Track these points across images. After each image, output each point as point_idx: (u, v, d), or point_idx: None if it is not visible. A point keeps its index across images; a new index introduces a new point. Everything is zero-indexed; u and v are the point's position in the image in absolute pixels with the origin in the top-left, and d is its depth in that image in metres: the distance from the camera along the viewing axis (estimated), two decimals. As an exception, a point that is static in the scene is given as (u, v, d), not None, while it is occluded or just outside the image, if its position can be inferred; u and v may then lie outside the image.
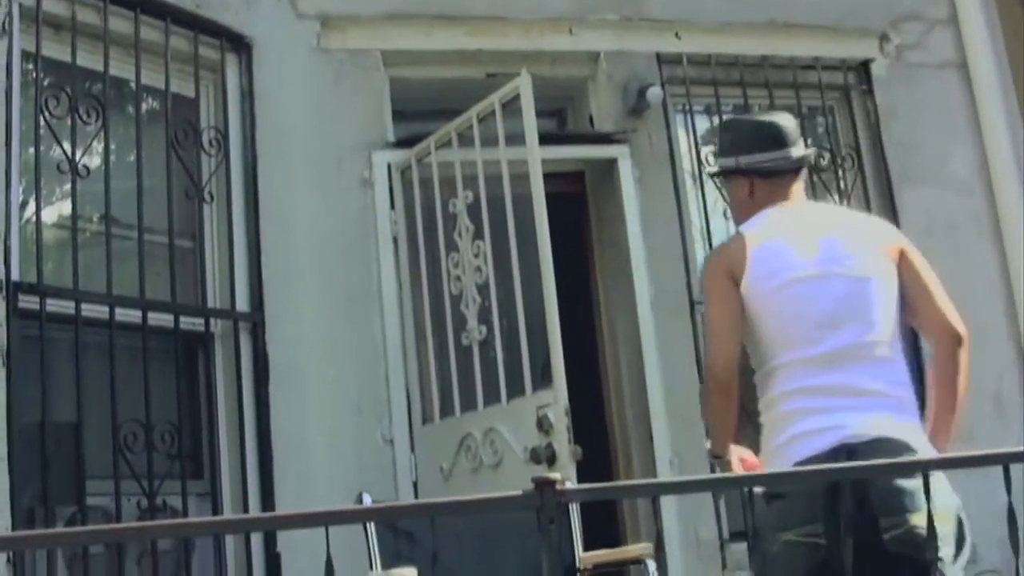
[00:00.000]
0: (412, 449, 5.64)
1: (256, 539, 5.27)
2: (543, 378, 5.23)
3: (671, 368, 5.98)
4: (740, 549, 5.89)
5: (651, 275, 6.08)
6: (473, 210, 5.60)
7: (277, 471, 5.34)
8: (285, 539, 5.29)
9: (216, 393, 5.42)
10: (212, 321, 5.43)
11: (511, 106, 5.44)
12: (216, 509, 5.17)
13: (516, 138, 5.43)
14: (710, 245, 6.32)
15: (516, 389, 5.36)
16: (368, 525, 3.89)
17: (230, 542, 5.21)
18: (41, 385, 4.74)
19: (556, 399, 5.09)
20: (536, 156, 5.30)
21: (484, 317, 5.54)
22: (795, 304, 3.34)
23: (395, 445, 5.62)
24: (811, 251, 3.40)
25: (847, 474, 2.87)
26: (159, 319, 5.17)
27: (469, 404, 5.56)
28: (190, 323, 5.33)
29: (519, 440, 5.23)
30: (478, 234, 5.56)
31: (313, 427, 5.50)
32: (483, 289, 5.53)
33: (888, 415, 3.28)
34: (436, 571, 2.46)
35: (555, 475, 2.40)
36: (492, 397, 5.46)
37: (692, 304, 6.11)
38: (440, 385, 5.73)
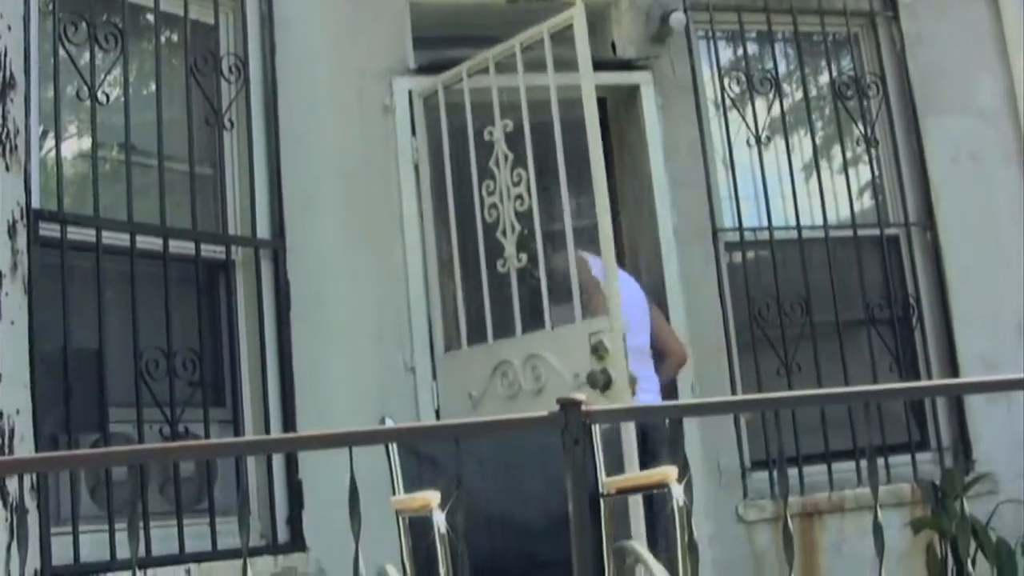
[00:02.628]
0: (434, 377, 5.64)
1: (278, 467, 5.29)
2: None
3: (693, 295, 5.96)
4: (761, 478, 5.90)
5: (674, 203, 6.06)
6: (513, 138, 5.56)
7: (298, 398, 5.35)
8: (306, 467, 5.31)
9: (237, 321, 5.42)
10: (233, 248, 5.42)
11: (558, 36, 5.40)
12: (237, 436, 5.18)
13: (558, 66, 5.42)
14: (733, 174, 6.30)
15: (564, 316, 5.38)
16: (391, 450, 3.88)
17: (252, 471, 5.23)
18: (63, 313, 4.75)
19: (612, 326, 5.14)
20: (591, 86, 5.28)
21: (524, 245, 5.52)
22: None
23: (417, 373, 5.63)
24: None
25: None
26: (180, 247, 5.16)
27: (505, 331, 5.56)
28: (211, 251, 5.33)
29: (567, 366, 5.25)
30: (519, 162, 5.52)
31: (334, 355, 5.51)
32: (523, 217, 5.50)
33: None
34: (459, 495, 2.45)
35: (580, 396, 2.38)
36: (534, 324, 5.47)
37: (715, 232, 6.10)
38: (469, 312, 5.72)
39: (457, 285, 5.73)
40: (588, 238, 5.37)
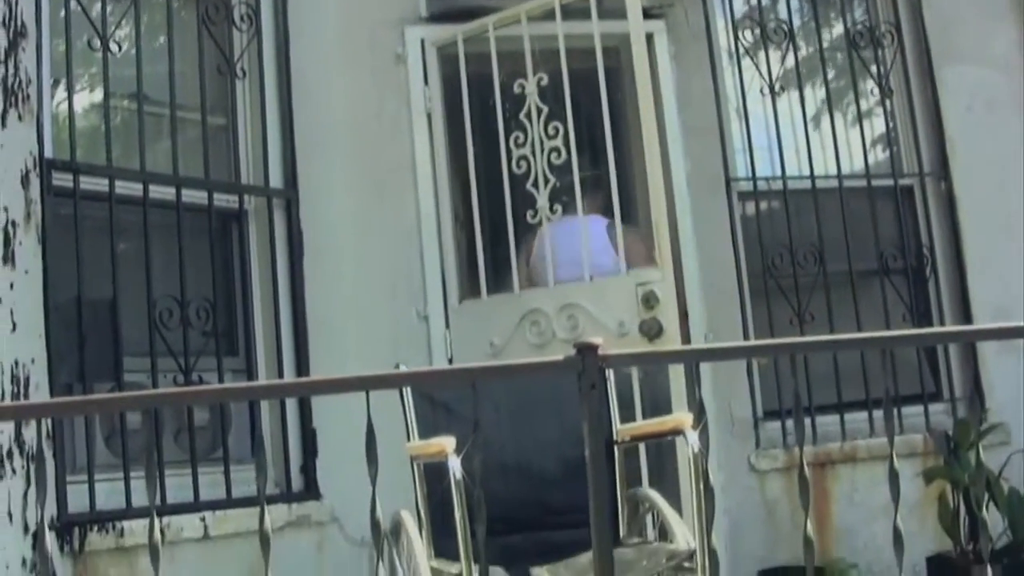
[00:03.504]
0: (447, 326, 5.65)
1: (292, 416, 5.31)
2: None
3: (706, 245, 5.95)
4: (774, 427, 5.91)
5: (687, 152, 6.03)
6: (547, 91, 5.59)
7: (312, 348, 5.36)
8: (320, 416, 5.33)
9: (250, 270, 5.43)
10: (246, 198, 5.42)
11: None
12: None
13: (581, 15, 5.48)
14: (747, 123, 6.26)
15: (608, 266, 5.49)
16: (406, 396, 3.89)
17: (265, 420, 5.26)
18: (77, 263, 4.75)
19: (664, 277, 5.27)
20: (640, 32, 5.36)
21: (558, 197, 5.57)
22: None
23: (430, 322, 5.64)
24: None
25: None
26: (193, 196, 5.16)
27: (536, 280, 5.66)
28: (224, 200, 5.32)
29: (610, 315, 5.32)
30: (554, 115, 5.56)
31: (347, 304, 5.51)
32: (559, 170, 5.55)
33: None
34: (476, 439, 2.45)
35: (597, 340, 2.38)
36: (568, 274, 5.56)
37: (728, 182, 6.08)
38: (491, 262, 5.74)
39: (477, 235, 5.71)
40: (624, 188, 5.48)
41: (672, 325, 5.20)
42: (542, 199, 5.57)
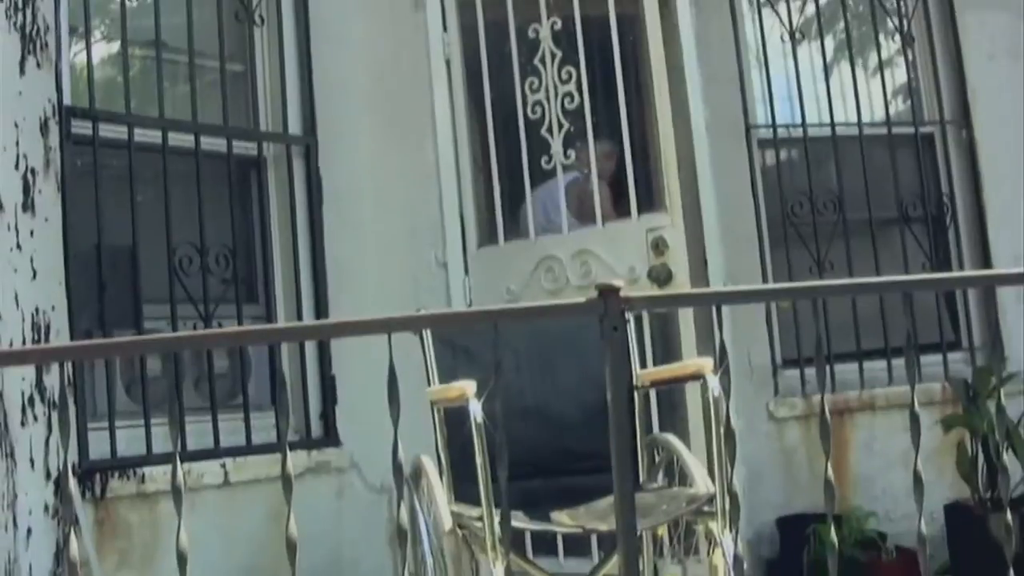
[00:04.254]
0: (466, 272, 5.65)
1: (311, 362, 5.33)
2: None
3: (725, 192, 5.92)
4: (792, 375, 5.91)
5: (706, 99, 5.98)
6: (560, 36, 5.56)
7: (331, 294, 5.37)
8: (339, 364, 5.34)
9: (269, 217, 5.43)
10: (264, 145, 5.42)
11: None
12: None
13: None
14: (767, 70, 6.22)
15: (620, 211, 5.55)
16: (426, 341, 3.89)
17: (285, 367, 5.27)
18: (96, 210, 4.76)
19: (673, 222, 5.26)
20: None
21: (571, 143, 5.56)
22: None
23: (449, 268, 5.64)
24: None
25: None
26: (211, 143, 5.16)
27: (549, 226, 5.67)
28: (242, 147, 5.32)
29: (621, 261, 5.32)
30: (568, 59, 5.53)
31: (366, 250, 5.52)
32: (572, 115, 5.52)
33: None
34: (497, 381, 2.45)
35: (618, 283, 2.37)
36: (583, 220, 5.60)
37: (747, 129, 6.05)
38: (508, 209, 5.74)
39: (494, 181, 5.71)
40: (638, 135, 5.46)
41: (682, 271, 5.19)
42: (556, 145, 5.55)
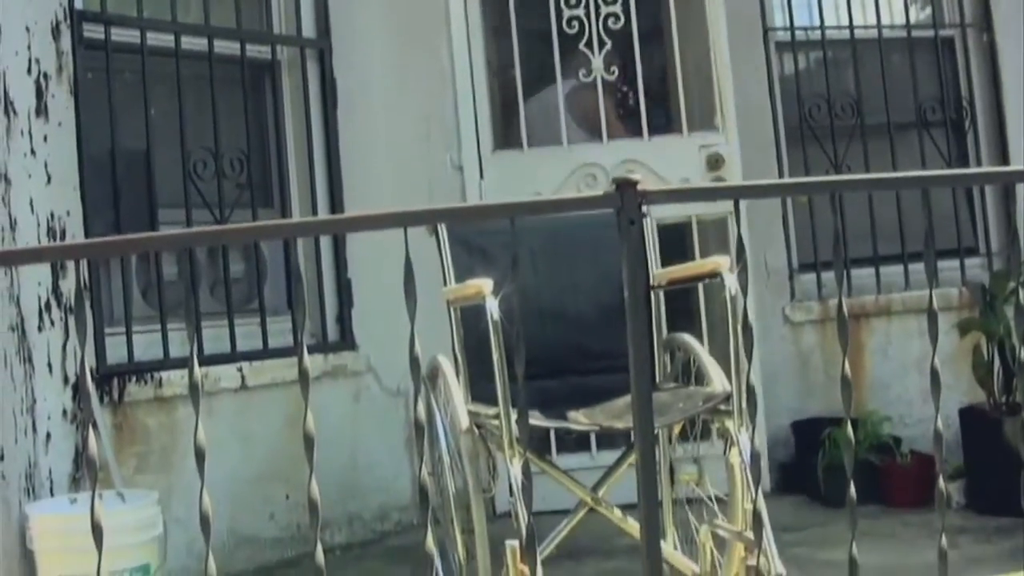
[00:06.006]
0: (481, 175, 5.62)
1: (327, 266, 5.33)
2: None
3: (743, 95, 5.86)
4: (808, 279, 5.90)
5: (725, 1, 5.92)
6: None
7: (346, 198, 5.36)
8: (355, 268, 5.34)
9: (284, 121, 5.41)
10: (278, 48, 5.38)
11: None
12: (286, 239, 5.19)
13: None
14: (784, -28, 6.16)
15: (667, 127, 5.80)
16: (442, 239, 3.87)
17: (301, 268, 5.26)
18: (109, 115, 4.74)
19: (728, 140, 5.50)
20: None
21: (613, 59, 5.65)
22: None
23: (464, 172, 5.61)
24: None
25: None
26: (225, 47, 5.12)
27: (580, 136, 5.74)
28: (256, 51, 5.28)
29: (673, 171, 5.45)
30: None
31: (381, 154, 5.49)
32: (616, 35, 5.61)
33: None
34: (515, 276, 2.44)
35: (636, 176, 2.35)
36: (624, 132, 5.75)
37: (765, 31, 5.99)
38: (536, 115, 5.75)
39: (518, 86, 5.68)
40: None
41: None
42: (597, 60, 5.64)
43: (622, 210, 2.31)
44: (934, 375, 2.64)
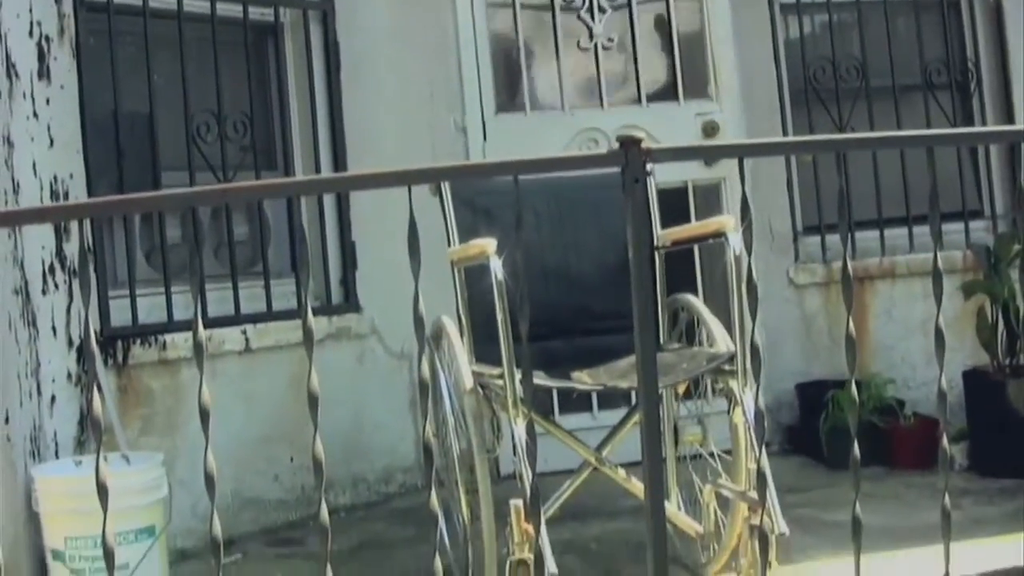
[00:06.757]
0: (484, 138, 5.61)
1: (331, 228, 5.32)
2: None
3: (747, 57, 5.86)
4: (813, 242, 5.89)
5: (727, -38, 5.92)
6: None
7: (350, 160, 5.34)
8: (359, 229, 5.33)
9: (287, 84, 5.39)
10: (281, 10, 5.35)
11: None
12: (290, 200, 5.18)
13: None
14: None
15: (664, 95, 5.82)
16: (446, 200, 3.87)
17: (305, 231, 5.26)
18: (112, 78, 4.73)
19: (723, 108, 5.61)
20: None
21: (613, 27, 5.74)
22: None
23: (468, 133, 5.60)
24: None
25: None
26: (227, 9, 5.10)
27: (581, 102, 5.78)
28: (259, 13, 5.25)
29: (671, 138, 5.40)
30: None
31: (385, 116, 5.47)
32: (617, 6, 5.73)
33: None
34: (518, 235, 2.44)
35: (639, 135, 2.35)
36: (623, 99, 5.80)
37: (770, -12, 5.98)
38: (537, 78, 5.79)
39: (521, 52, 5.72)
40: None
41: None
42: (597, 27, 5.71)
43: (627, 168, 2.30)
44: (938, 334, 2.64)
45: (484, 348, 3.64)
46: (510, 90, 5.79)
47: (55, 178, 4.42)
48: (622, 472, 3.70)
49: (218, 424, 2.39)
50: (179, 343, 4.67)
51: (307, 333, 2.19)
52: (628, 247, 2.45)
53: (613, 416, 4.26)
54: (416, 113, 5.54)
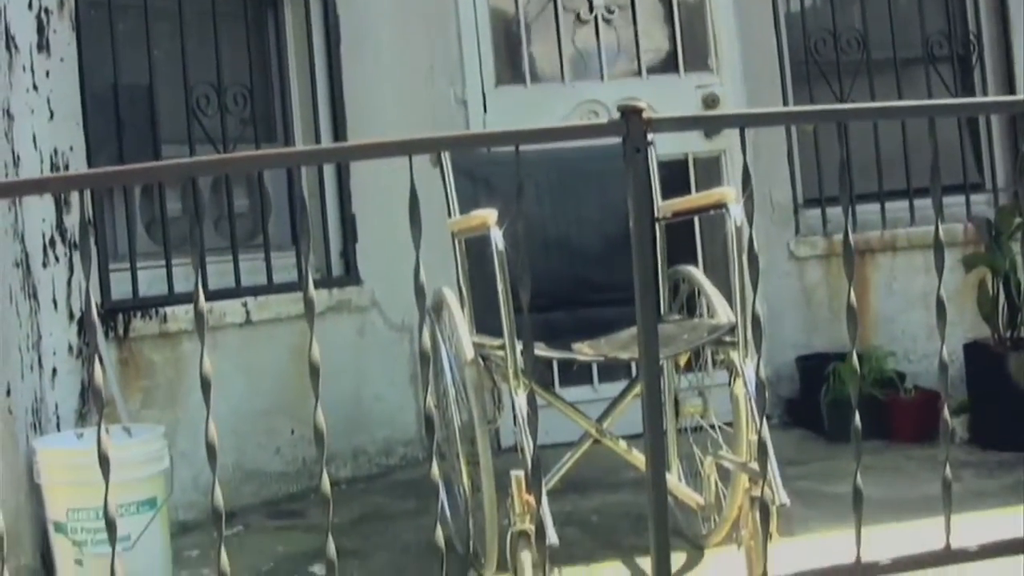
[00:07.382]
0: (485, 110, 5.61)
1: (331, 200, 5.31)
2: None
3: (748, 29, 5.84)
4: (813, 215, 5.89)
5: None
6: None
7: (350, 133, 5.32)
8: (359, 202, 5.33)
9: (287, 57, 5.37)
10: (281, -18, 5.35)
11: None
12: (290, 171, 5.18)
13: None
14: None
15: (664, 67, 5.83)
16: (447, 171, 3.86)
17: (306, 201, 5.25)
18: (112, 50, 4.72)
19: (723, 81, 5.65)
20: None
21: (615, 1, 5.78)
22: None
23: (468, 106, 5.59)
24: None
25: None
26: (227, -19, 5.10)
27: (581, 74, 5.80)
28: (259, -15, 5.25)
29: (670, 111, 5.34)
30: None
31: (385, 89, 5.45)
32: None
33: None
34: (519, 205, 2.43)
35: (641, 104, 2.34)
36: (623, 72, 5.80)
37: (771, -35, 5.95)
38: (537, 51, 5.77)
39: (522, 24, 5.71)
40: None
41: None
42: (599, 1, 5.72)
43: (628, 138, 2.30)
44: (940, 306, 2.64)
45: (485, 319, 3.64)
46: (510, 62, 5.77)
47: (55, 151, 4.42)
48: (623, 444, 3.71)
49: (219, 396, 2.39)
50: (180, 315, 4.67)
51: (308, 304, 2.19)
52: (629, 218, 2.45)
53: (614, 388, 4.26)
54: (416, 86, 5.52)
